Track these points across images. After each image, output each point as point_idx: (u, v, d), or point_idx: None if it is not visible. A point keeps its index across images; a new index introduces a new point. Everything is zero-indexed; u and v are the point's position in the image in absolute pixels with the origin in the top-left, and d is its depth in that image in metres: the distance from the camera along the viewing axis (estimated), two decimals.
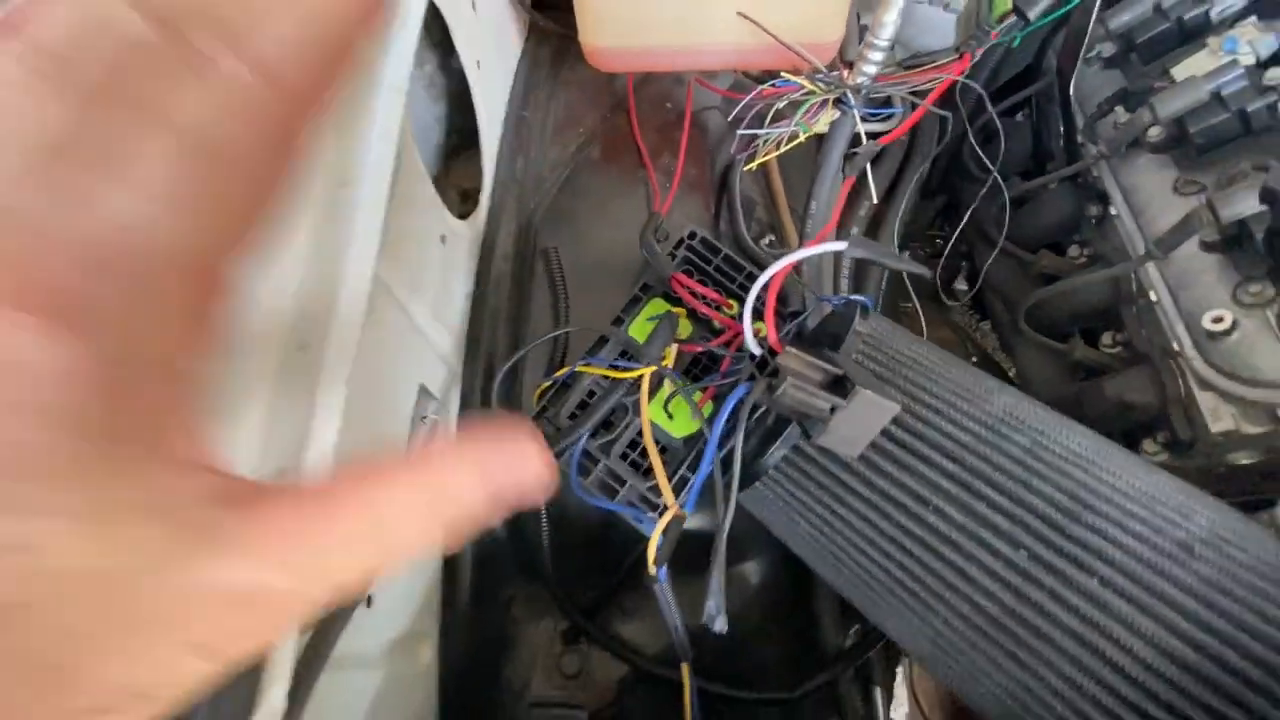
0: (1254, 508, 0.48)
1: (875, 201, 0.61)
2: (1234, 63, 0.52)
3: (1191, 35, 0.58)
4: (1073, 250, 0.69)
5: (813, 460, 0.31)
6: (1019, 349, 0.72)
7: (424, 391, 0.40)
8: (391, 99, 0.29)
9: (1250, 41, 0.53)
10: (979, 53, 0.62)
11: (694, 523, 0.47)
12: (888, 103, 0.72)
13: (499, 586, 0.48)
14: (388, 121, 0.29)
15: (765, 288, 0.29)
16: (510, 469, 0.16)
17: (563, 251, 0.51)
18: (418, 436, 0.39)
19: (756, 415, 0.33)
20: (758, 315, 0.30)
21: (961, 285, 0.89)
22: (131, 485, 0.13)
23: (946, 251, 0.70)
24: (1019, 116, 0.81)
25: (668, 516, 0.31)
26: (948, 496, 0.30)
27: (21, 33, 0.12)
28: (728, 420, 0.28)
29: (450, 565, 0.45)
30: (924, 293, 0.86)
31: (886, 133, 0.75)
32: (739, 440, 0.27)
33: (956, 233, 0.67)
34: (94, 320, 0.12)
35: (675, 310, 0.39)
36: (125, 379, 0.13)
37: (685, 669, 0.38)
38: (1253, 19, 0.55)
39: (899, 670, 0.63)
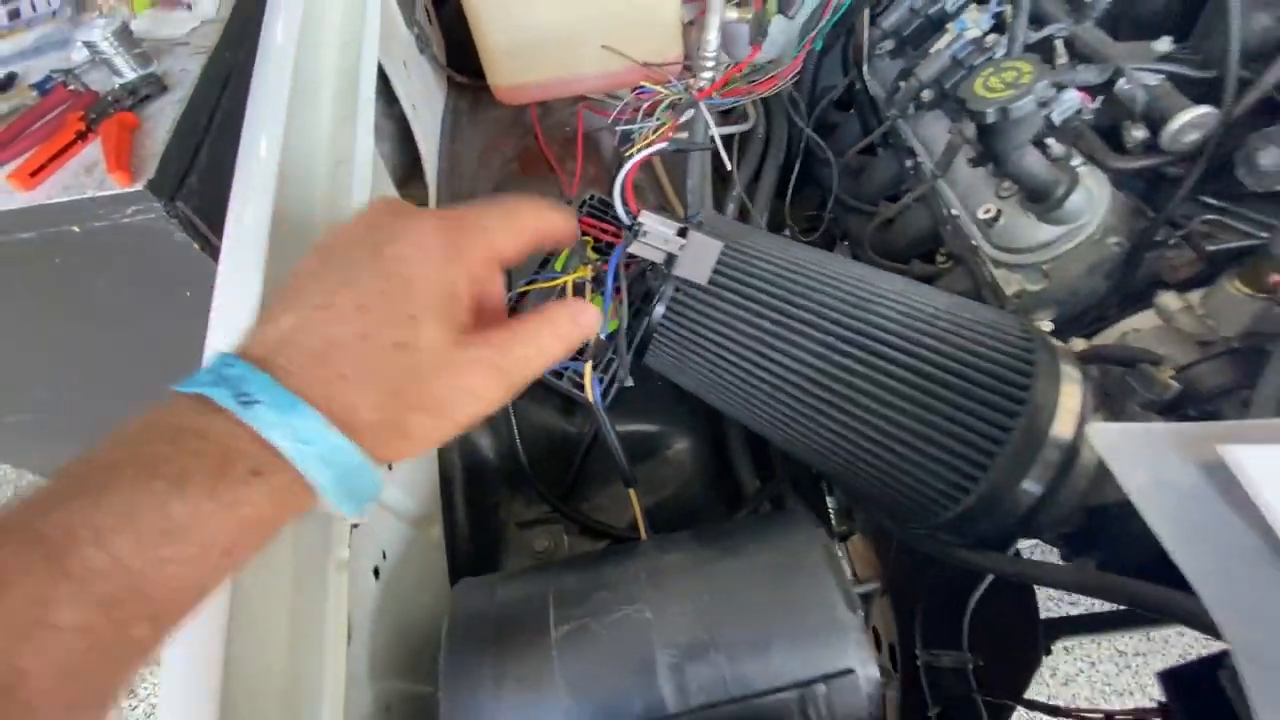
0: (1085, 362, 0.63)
1: (737, 184, 0.78)
2: (961, 35, 0.72)
3: (938, 24, 0.79)
4: (905, 198, 0.88)
5: (686, 306, 0.46)
6: None
7: None
8: (366, 110, 0.44)
9: (974, 21, 0.74)
10: (790, 68, 0.82)
11: (628, 424, 0.60)
12: (742, 111, 0.92)
13: (487, 495, 0.59)
14: (367, 121, 0.43)
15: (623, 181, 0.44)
16: (585, 315, 0.33)
17: None
18: None
19: (654, 314, 0.48)
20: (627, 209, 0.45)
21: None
22: (459, 324, 0.30)
23: (790, 192, 0.88)
24: (851, 111, 1.02)
25: (592, 344, 0.45)
26: (775, 309, 0.45)
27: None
28: (615, 269, 0.42)
29: (446, 478, 0.57)
30: None
31: (745, 132, 0.94)
32: (623, 278, 0.41)
33: (792, 179, 0.84)
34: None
35: (585, 238, 0.54)
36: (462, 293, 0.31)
37: (633, 493, 0.50)
38: (973, 6, 0.76)
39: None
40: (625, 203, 0.42)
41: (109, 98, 0.79)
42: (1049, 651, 0.81)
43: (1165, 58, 0.62)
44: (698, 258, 0.40)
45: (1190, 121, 0.56)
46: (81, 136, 0.76)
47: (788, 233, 1.06)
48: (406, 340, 0.28)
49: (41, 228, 0.74)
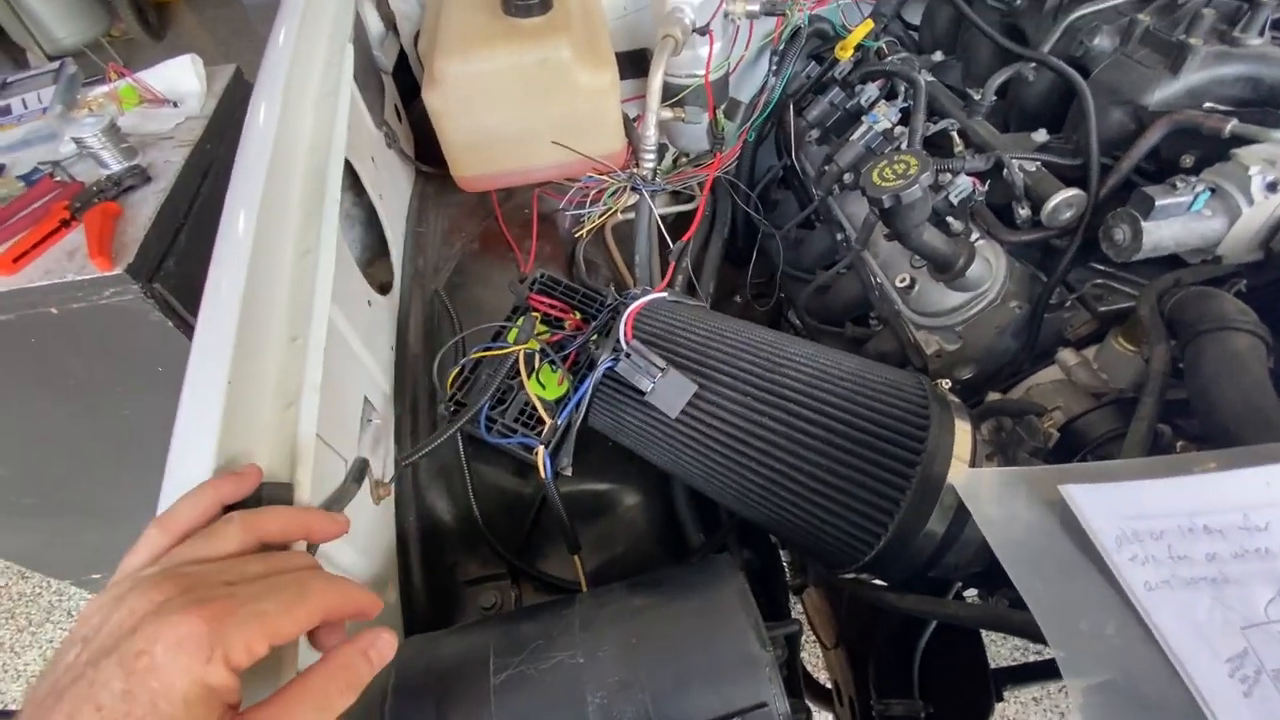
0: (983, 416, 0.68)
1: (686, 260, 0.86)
2: (872, 128, 0.82)
3: (855, 117, 0.89)
4: (835, 268, 0.95)
5: (613, 384, 0.50)
6: (819, 340, 0.96)
7: (367, 403, 0.57)
8: (332, 207, 0.50)
9: (884, 114, 0.84)
10: (729, 155, 0.91)
11: (581, 484, 0.64)
12: (691, 193, 1.00)
13: (444, 556, 0.62)
14: (331, 218, 0.49)
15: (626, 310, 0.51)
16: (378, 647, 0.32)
17: (459, 312, 0.71)
18: (367, 430, 0.56)
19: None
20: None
21: (795, 321, 1.15)
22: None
23: (717, 262, 0.94)
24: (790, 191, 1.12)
25: (547, 427, 0.49)
26: (697, 373, 0.50)
27: None
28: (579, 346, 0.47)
29: (402, 540, 0.59)
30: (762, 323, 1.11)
31: (693, 211, 1.02)
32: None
33: (719, 250, 0.91)
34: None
35: (533, 314, 0.59)
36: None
37: (578, 560, 0.53)
38: (883, 102, 0.86)
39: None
40: (624, 332, 0.48)
41: (94, 188, 0.85)
42: (1000, 698, 0.83)
43: (1042, 147, 0.71)
44: (672, 392, 0.46)
45: (1063, 201, 0.64)
46: (65, 224, 0.81)
47: (739, 299, 1.14)
48: None
49: (20, 310, 0.78)
